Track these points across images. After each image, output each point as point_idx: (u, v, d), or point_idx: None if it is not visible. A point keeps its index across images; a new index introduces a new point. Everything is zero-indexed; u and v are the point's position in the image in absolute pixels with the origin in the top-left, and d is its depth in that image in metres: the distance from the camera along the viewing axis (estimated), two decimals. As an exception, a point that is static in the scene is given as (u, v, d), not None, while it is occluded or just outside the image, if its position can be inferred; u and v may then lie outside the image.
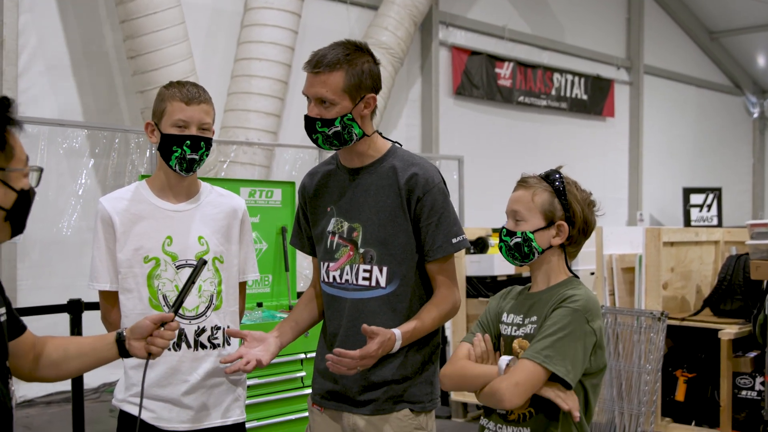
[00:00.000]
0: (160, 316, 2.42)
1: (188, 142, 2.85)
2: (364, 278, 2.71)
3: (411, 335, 2.66)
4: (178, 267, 2.89)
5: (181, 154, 2.86)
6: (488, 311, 2.70)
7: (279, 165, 8.96)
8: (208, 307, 2.93)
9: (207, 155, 2.94)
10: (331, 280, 2.78)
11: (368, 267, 2.70)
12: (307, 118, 2.69)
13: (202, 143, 2.88)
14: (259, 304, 4.75)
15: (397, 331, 2.62)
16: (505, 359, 2.46)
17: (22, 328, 2.29)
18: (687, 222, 13.67)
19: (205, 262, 2.55)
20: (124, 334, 2.41)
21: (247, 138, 8.22)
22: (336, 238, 2.76)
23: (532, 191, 2.53)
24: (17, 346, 2.25)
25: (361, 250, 2.71)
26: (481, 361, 2.55)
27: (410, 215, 2.68)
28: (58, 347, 2.37)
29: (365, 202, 2.72)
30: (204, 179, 3.18)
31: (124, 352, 2.40)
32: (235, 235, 3.05)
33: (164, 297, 2.85)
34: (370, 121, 2.75)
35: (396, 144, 2.84)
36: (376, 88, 2.72)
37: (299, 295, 5.21)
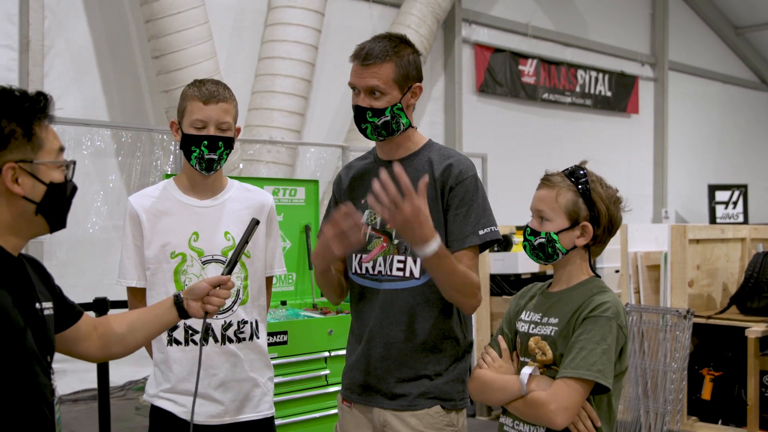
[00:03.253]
0: (217, 279, 2.47)
1: (206, 142, 2.87)
2: (399, 269, 2.70)
3: (445, 257, 2.49)
4: (204, 263, 2.91)
5: (200, 154, 2.88)
6: (509, 311, 2.68)
7: (302, 163, 8.98)
8: (234, 302, 2.94)
9: (228, 154, 2.94)
10: (363, 271, 2.76)
11: (402, 258, 2.70)
12: (357, 108, 2.71)
13: (220, 143, 2.89)
14: (283, 302, 4.76)
15: (438, 238, 2.46)
16: (526, 372, 2.43)
17: (79, 314, 2.33)
18: (712, 219, 13.57)
19: (257, 222, 2.59)
20: (182, 295, 2.46)
21: (270, 137, 8.24)
22: (369, 230, 2.75)
23: (556, 191, 2.49)
24: (78, 331, 2.30)
25: (396, 241, 2.71)
26: (498, 369, 2.53)
27: (443, 206, 2.68)
28: (121, 323, 2.42)
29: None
30: (233, 178, 3.19)
31: (183, 313, 2.45)
32: (262, 229, 3.06)
33: None
34: (412, 112, 2.79)
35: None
36: (420, 77, 2.75)
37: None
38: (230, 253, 2.61)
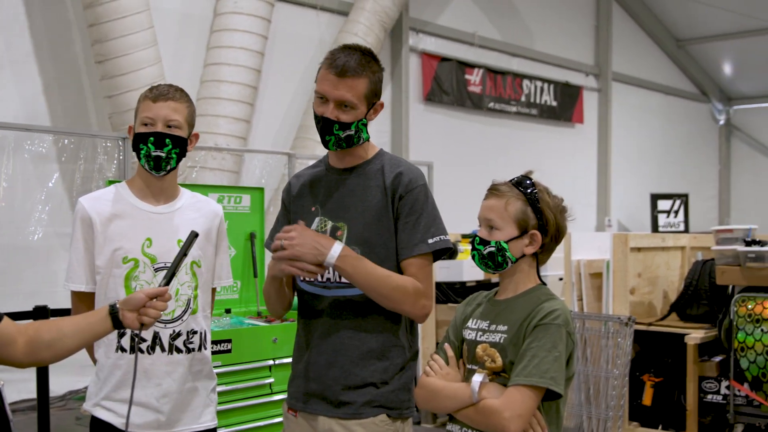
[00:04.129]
0: (154, 290, 2.45)
1: (152, 138, 2.86)
2: None
3: (355, 260, 2.61)
4: (157, 269, 2.88)
5: (147, 152, 2.87)
6: (455, 319, 2.70)
7: (248, 171, 8.93)
8: (185, 311, 2.92)
9: (177, 153, 2.91)
10: (311, 278, 2.76)
11: None
12: (325, 119, 2.71)
13: (168, 140, 2.87)
14: (228, 310, 4.73)
15: (340, 243, 2.62)
16: (477, 380, 2.45)
17: None
18: (654, 228, 13.80)
19: (197, 234, 2.58)
20: (117, 306, 2.43)
21: (216, 143, 8.19)
22: None
23: (505, 200, 2.52)
24: None
25: None
26: (444, 377, 2.55)
27: (393, 214, 2.70)
28: (51, 328, 2.38)
29: (351, 202, 2.74)
30: (180, 185, 3.17)
31: (117, 323, 2.41)
32: (212, 240, 3.05)
33: None
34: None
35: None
36: (380, 94, 2.79)
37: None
38: (182, 263, 2.60)
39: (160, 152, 2.87)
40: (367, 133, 2.76)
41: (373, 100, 2.73)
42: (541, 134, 13.99)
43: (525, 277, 2.57)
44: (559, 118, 14.29)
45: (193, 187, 3.95)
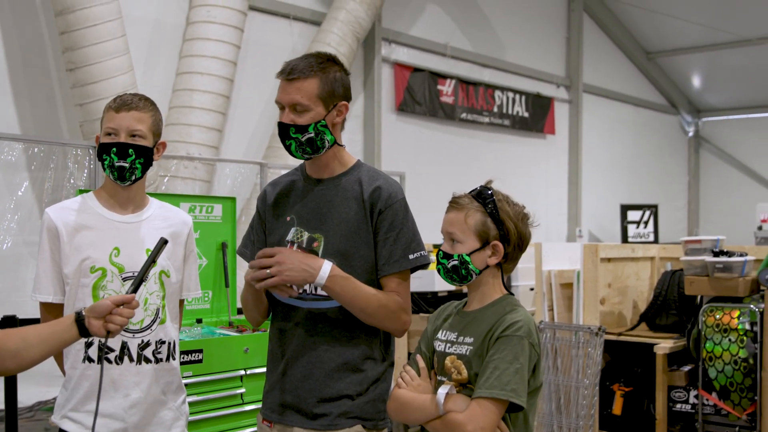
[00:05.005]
0: (121, 297, 2.43)
1: (114, 149, 2.86)
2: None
3: (343, 280, 2.62)
4: (125, 279, 2.88)
5: (110, 162, 2.86)
6: (426, 330, 2.71)
7: (220, 180, 8.89)
8: (153, 321, 2.90)
9: (142, 163, 2.90)
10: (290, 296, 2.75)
11: None
12: (280, 124, 2.72)
13: (131, 150, 2.86)
14: (199, 321, 4.71)
15: (328, 262, 2.63)
16: (443, 392, 2.46)
17: None
18: (624, 238, 13.91)
19: (166, 241, 2.58)
20: (83, 313, 2.41)
21: (188, 152, 8.16)
22: (295, 248, 2.75)
23: (465, 212, 2.53)
24: None
25: None
26: (416, 388, 2.56)
27: (372, 228, 2.70)
28: (15, 338, 2.35)
29: (329, 213, 2.73)
30: (149, 194, 3.16)
31: (83, 331, 2.40)
32: (180, 250, 3.04)
33: None
34: (340, 131, 2.80)
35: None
36: (348, 97, 2.78)
37: (240, 311, 5.18)
38: (151, 271, 2.59)
39: (123, 162, 2.86)
40: (333, 135, 2.74)
41: (333, 101, 2.71)
42: (513, 145, 14.07)
43: (490, 289, 2.59)
44: (530, 129, 14.38)
45: (164, 196, 3.94)
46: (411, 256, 2.70)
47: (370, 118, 11.39)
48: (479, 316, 2.55)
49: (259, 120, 9.57)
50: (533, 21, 14.63)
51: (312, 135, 2.69)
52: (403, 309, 2.71)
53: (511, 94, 13.89)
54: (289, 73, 2.68)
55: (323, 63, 2.72)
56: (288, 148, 2.74)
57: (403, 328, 2.74)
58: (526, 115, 14.22)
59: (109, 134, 2.86)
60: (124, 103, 2.88)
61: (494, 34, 13.70)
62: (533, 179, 14.38)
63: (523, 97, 14.16)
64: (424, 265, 2.74)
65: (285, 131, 2.71)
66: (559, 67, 15.34)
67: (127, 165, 2.87)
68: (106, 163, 2.87)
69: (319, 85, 2.68)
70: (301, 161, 2.86)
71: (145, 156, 2.91)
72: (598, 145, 16.18)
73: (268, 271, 2.59)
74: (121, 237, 2.90)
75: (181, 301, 3.12)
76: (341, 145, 2.82)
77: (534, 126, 14.44)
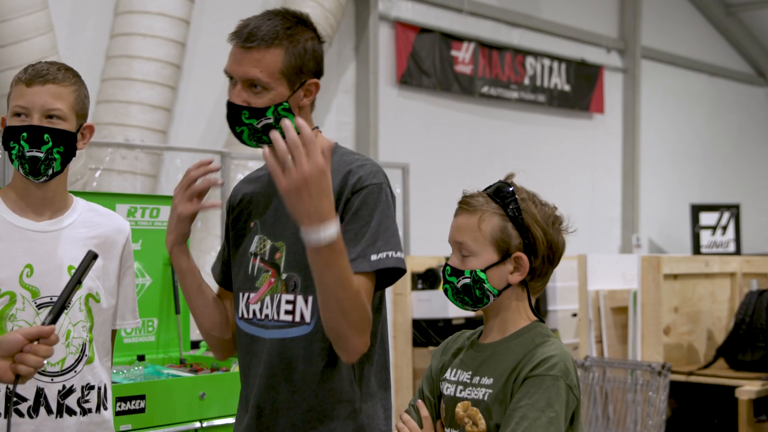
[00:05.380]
0: (36, 329, 2.42)
1: (25, 134, 2.83)
2: (287, 311, 2.69)
3: (340, 255, 2.45)
4: (40, 306, 2.86)
5: (19, 151, 2.83)
6: (430, 369, 2.70)
7: (169, 174, 8.90)
8: (78, 360, 2.89)
9: (62, 152, 2.89)
10: (250, 315, 2.76)
11: (291, 297, 2.69)
12: (230, 105, 2.69)
13: (46, 136, 2.84)
14: (141, 358, 4.72)
15: (336, 226, 2.43)
16: None
17: None
18: (696, 248, 13.90)
19: (95, 256, 2.55)
20: None
21: (126, 138, 8.16)
22: (257, 261, 2.76)
23: (479, 216, 2.52)
24: None
25: (284, 276, 2.71)
26: None
27: (342, 218, 2.65)
28: None
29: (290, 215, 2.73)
30: (74, 193, 3.16)
31: None
32: (114, 266, 3.04)
33: None
34: (309, 113, 2.81)
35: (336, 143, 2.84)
36: (319, 72, 2.76)
37: (194, 345, 5.18)
38: (81, 297, 2.59)
39: (36, 152, 2.84)
40: (295, 119, 2.64)
41: (300, 79, 2.70)
42: (549, 127, 14.07)
43: (513, 314, 2.57)
44: (572, 106, 14.38)
45: (95, 196, 3.95)
46: (374, 257, 2.60)
47: (363, 93, 11.39)
48: (500, 350, 2.54)
49: (220, 96, 9.55)
50: (576, -34, 14.63)
51: (270, 120, 2.68)
52: (369, 322, 2.61)
53: (547, 62, 13.91)
54: (246, 39, 2.65)
55: (291, 27, 2.68)
56: (239, 135, 2.73)
57: (362, 349, 2.60)
58: (566, 88, 14.23)
59: (18, 114, 2.84)
60: (37, 74, 2.85)
61: (525, -17, 13.71)
62: (576, 173, 14.37)
63: (564, 65, 14.17)
64: (394, 274, 2.66)
65: (235, 114, 2.69)
66: (611, 25, 15.35)
67: (42, 155, 2.84)
68: (14, 152, 2.84)
69: (284, 58, 2.65)
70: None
71: (66, 143, 2.88)
72: (661, 127, 16.18)
73: (289, 159, 2.38)
74: (35, 251, 2.88)
75: (113, 332, 3.12)
76: (318, 129, 2.82)
77: (577, 103, 14.45)
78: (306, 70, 2.70)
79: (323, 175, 2.37)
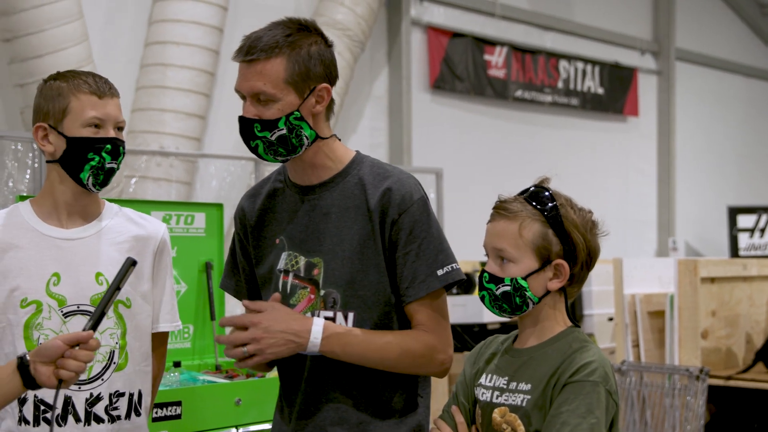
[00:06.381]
0: (75, 335, 2.42)
1: (108, 146, 2.87)
2: None
3: (344, 337, 2.62)
4: (67, 314, 2.87)
5: (99, 163, 2.86)
6: (464, 374, 2.69)
7: (203, 181, 8.94)
8: (106, 368, 2.90)
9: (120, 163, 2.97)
10: None
11: (331, 314, 2.69)
12: (242, 120, 2.72)
13: (121, 148, 2.91)
14: (177, 364, 4.73)
15: (318, 320, 2.63)
16: None
17: None
18: (734, 251, 13.80)
19: (134, 262, 2.55)
20: (28, 358, 2.42)
21: (161, 146, 8.20)
22: (291, 278, 2.76)
23: (519, 222, 2.51)
24: None
25: (322, 292, 2.71)
26: None
27: (384, 244, 2.68)
28: None
29: (326, 230, 2.73)
30: (112, 200, 3.17)
31: (29, 380, 2.41)
32: (147, 270, 3.04)
33: None
34: (326, 121, 2.78)
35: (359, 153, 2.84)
36: (331, 77, 2.74)
37: (230, 351, 5.19)
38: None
39: (114, 164, 2.90)
40: (312, 129, 2.70)
41: (308, 85, 2.68)
42: (583, 131, 14.03)
43: (550, 319, 2.57)
44: (607, 109, 14.33)
45: (131, 204, 3.96)
46: (440, 272, 2.67)
47: (396, 99, 11.40)
48: (538, 356, 2.53)
49: (252, 103, 9.61)
50: (609, -32, 14.58)
51: (284, 131, 2.67)
52: (436, 348, 2.70)
53: (580, 65, 13.87)
54: (248, 52, 2.66)
55: (292, 35, 2.67)
56: (254, 150, 2.73)
57: (442, 368, 2.73)
58: (600, 91, 14.19)
59: (95, 126, 2.87)
60: (107, 87, 2.90)
61: (558, -13, 13.68)
62: (610, 176, 14.32)
63: (597, 68, 14.13)
64: (457, 283, 2.72)
65: (248, 129, 2.71)
66: (645, 27, 15.29)
67: (116, 166, 2.91)
68: (91, 163, 2.86)
69: (286, 66, 2.64)
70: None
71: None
72: (696, 130, 16.09)
73: (245, 349, 2.60)
74: (62, 259, 2.89)
75: (162, 337, 3.12)
76: (327, 138, 2.78)
77: (611, 105, 14.41)
78: (313, 76, 2.69)
79: (274, 324, 2.59)
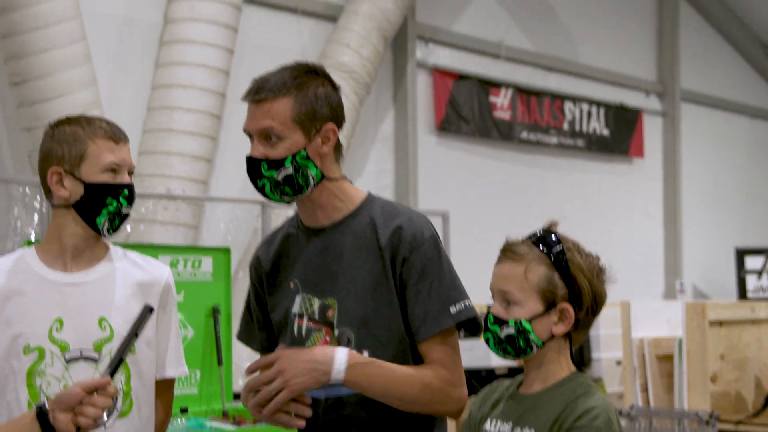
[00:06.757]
0: (93, 382, 2.45)
1: (126, 192, 2.91)
2: None
3: (367, 367, 2.63)
4: (69, 360, 2.86)
5: (117, 208, 2.89)
6: (469, 419, 2.69)
7: (210, 225, 8.95)
8: (108, 414, 2.89)
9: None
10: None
11: None
12: (249, 160, 2.76)
13: (134, 193, 2.96)
14: (184, 410, 4.72)
15: (342, 349, 2.63)
16: None
17: None
18: (742, 293, 13.76)
19: (152, 309, 2.59)
20: (47, 405, 2.43)
21: (167, 189, 8.22)
22: (305, 322, 2.77)
23: (525, 265, 2.53)
24: None
25: (337, 332, 2.72)
26: None
27: (396, 282, 2.71)
28: None
29: (339, 270, 2.75)
30: (119, 244, 3.17)
31: (48, 429, 2.41)
32: (153, 315, 3.03)
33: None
34: (334, 161, 2.82)
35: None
36: (337, 118, 2.78)
37: (237, 396, 5.18)
38: (113, 349, 2.58)
39: (129, 209, 2.94)
40: (320, 168, 2.74)
41: (314, 125, 2.72)
42: (589, 173, 14.04)
43: (555, 364, 2.57)
44: (612, 150, 14.35)
45: (139, 248, 3.96)
46: (453, 309, 2.70)
47: (402, 141, 11.43)
48: (541, 401, 2.54)
49: (258, 145, 9.64)
50: (614, 10, 14.64)
51: (290, 171, 2.71)
52: (452, 382, 2.72)
53: (585, 106, 13.90)
54: (256, 93, 2.73)
55: (300, 77, 2.74)
56: (261, 189, 2.77)
57: (458, 406, 2.74)
58: (605, 132, 14.21)
59: (113, 171, 2.90)
60: (120, 132, 2.94)
61: (562, 29, 13.74)
62: (616, 218, 14.31)
63: (602, 110, 14.16)
64: (470, 320, 2.74)
65: (255, 168, 2.76)
66: (649, 68, 15.34)
67: (130, 212, 2.95)
68: (109, 208, 2.88)
69: (293, 105, 2.70)
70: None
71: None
72: (702, 171, 16.09)
73: (272, 387, 2.59)
74: (66, 304, 2.88)
75: (168, 384, 3.12)
76: (336, 179, 2.81)
77: (617, 147, 14.42)
78: (320, 116, 2.73)
79: (297, 355, 2.61)
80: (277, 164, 2.71)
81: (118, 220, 2.92)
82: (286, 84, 2.71)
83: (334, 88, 2.80)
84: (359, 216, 2.79)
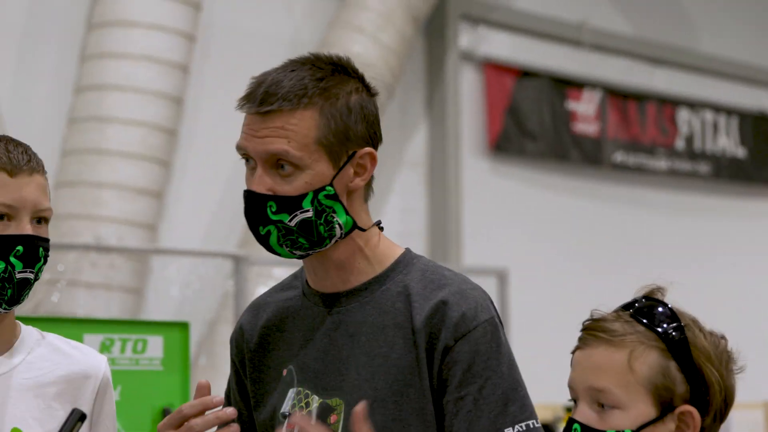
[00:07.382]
0: None
1: (20, 248, 2.86)
2: None
3: None
4: None
5: (6, 272, 2.87)
6: None
7: (159, 290, 8.98)
8: None
9: (42, 269, 2.96)
10: None
11: None
12: (249, 195, 2.68)
13: (41, 250, 2.91)
14: None
15: None
16: None
17: None
18: None
19: (83, 416, 2.65)
20: None
21: (97, 237, 8.26)
22: (297, 430, 2.76)
23: (628, 351, 2.47)
24: None
25: None
26: None
27: (432, 381, 2.68)
28: None
29: (351, 358, 2.73)
30: (24, 319, 3.20)
31: None
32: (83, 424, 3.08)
33: None
34: (364, 202, 2.80)
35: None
36: (375, 138, 2.74)
37: None
38: None
39: (28, 273, 2.88)
40: (349, 215, 2.70)
41: (346, 148, 2.66)
42: (715, 211, 14.00)
43: None
44: (750, 178, 14.33)
45: (54, 323, 4.00)
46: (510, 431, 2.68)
47: (439, 166, 11.44)
48: None
49: (232, 174, 9.61)
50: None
51: (310, 215, 2.66)
52: None
53: (710, 116, 13.90)
54: (263, 101, 2.63)
55: (326, 78, 2.67)
56: (264, 239, 2.70)
57: None
58: (740, 153, 14.19)
59: (3, 217, 2.83)
60: (23, 159, 2.85)
61: (674, 3, 13.77)
62: (754, 277, 14.24)
63: (735, 120, 14.16)
64: None
65: (259, 208, 2.67)
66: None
67: (32, 277, 2.90)
68: None
69: (319, 122, 2.62)
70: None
71: (48, 256, 2.97)
72: None
73: None
74: None
75: None
76: (364, 229, 2.79)
77: (756, 173, 14.39)
78: (354, 137, 2.68)
79: None
80: (291, 204, 2.64)
81: (10, 289, 2.86)
82: (307, 89, 2.62)
83: (370, 93, 2.75)
84: (389, 282, 2.76)
